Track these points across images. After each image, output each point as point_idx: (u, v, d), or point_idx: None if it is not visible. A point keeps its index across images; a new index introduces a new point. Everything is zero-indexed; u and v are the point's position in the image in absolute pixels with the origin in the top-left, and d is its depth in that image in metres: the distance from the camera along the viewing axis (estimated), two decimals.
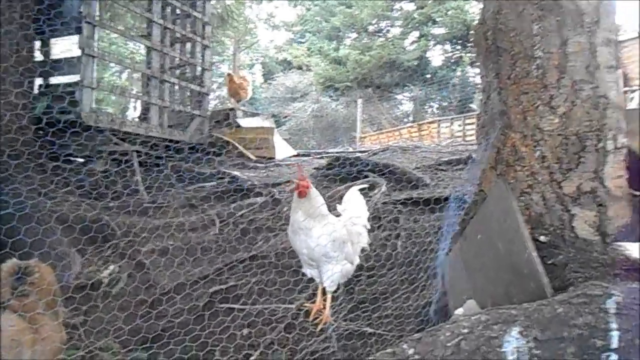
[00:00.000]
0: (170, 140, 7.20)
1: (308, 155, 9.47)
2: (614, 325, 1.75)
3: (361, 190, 3.98)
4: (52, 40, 6.58)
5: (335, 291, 3.50)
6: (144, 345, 3.20)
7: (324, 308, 3.43)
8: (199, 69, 8.39)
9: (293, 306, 3.71)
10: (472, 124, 14.22)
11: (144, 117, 7.40)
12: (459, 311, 2.49)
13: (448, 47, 25.67)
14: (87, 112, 5.83)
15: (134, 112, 16.24)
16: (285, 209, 5.14)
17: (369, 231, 3.73)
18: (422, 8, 24.81)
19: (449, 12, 23.38)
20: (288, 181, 6.27)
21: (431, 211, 4.66)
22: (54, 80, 6.49)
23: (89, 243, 4.08)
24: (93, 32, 6.13)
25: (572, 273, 2.32)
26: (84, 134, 4.99)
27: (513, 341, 1.74)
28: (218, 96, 25.37)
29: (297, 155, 9.40)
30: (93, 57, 6.07)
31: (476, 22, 3.41)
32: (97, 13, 6.45)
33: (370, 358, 1.89)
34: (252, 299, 3.86)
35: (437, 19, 24.22)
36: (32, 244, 2.93)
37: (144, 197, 5.45)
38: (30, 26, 5.06)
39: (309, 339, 3.36)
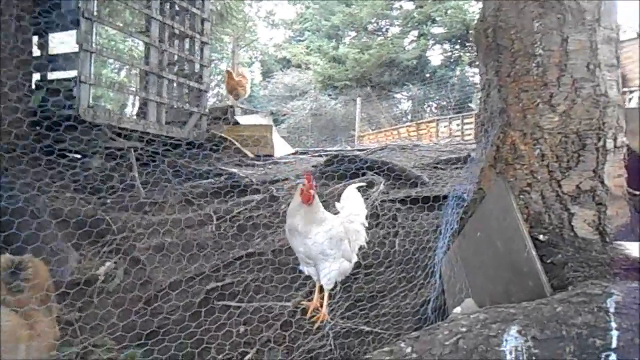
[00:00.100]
0: (168, 137, 7.17)
1: (306, 153, 9.44)
2: (613, 325, 1.73)
3: (359, 188, 3.96)
4: (50, 36, 6.54)
5: (332, 289, 3.49)
6: (138, 342, 3.17)
7: (321, 306, 3.42)
8: (197, 65, 8.36)
9: (290, 304, 3.69)
10: (471, 123, 14.22)
11: (142, 113, 7.37)
12: (457, 310, 2.48)
13: (447, 46, 25.66)
14: (84, 108, 5.80)
15: (132, 109, 16.21)
16: (283, 206, 5.12)
17: (367, 229, 3.71)
18: (421, 7, 24.79)
19: (449, 12, 23.38)
20: (286, 179, 6.25)
21: (430, 209, 4.65)
22: (51, 75, 6.45)
23: (84, 238, 4.04)
24: (91, 28, 6.09)
25: (572, 272, 2.30)
26: (79, 128, 4.95)
27: (511, 340, 1.72)
28: (217, 94, 25.34)
29: (296, 153, 9.38)
30: (91, 52, 6.03)
31: (476, 21, 3.39)
32: (95, 8, 6.40)
33: (367, 356, 1.88)
34: (249, 296, 3.84)
35: (437, 19, 24.20)
36: (25, 239, 2.90)
37: (140, 193, 5.42)
38: (26, 19, 5.02)
39: (306, 337, 3.35)
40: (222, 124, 8.95)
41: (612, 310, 1.77)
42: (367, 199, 4.75)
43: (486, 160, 2.98)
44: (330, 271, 3.28)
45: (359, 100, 19.55)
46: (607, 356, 1.68)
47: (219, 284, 3.97)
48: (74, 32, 6.03)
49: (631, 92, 8.92)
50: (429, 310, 3.27)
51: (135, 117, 7.71)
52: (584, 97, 2.68)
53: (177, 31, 7.98)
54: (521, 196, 2.71)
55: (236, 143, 8.10)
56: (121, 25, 9.29)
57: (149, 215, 4.92)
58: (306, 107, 23.61)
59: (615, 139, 2.70)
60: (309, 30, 29.80)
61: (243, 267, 4.20)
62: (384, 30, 28.04)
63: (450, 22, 23.38)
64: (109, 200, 4.95)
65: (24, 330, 2.40)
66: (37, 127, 4.93)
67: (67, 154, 5.70)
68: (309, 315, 3.46)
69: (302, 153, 9.46)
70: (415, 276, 3.82)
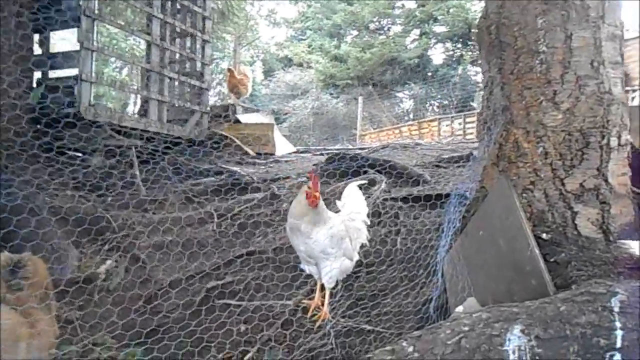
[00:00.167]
0: (169, 135, 7.15)
1: (308, 152, 9.42)
2: (618, 324, 1.71)
3: (361, 186, 3.94)
4: (52, 33, 6.53)
5: (333, 288, 3.47)
6: (138, 341, 3.16)
7: (322, 305, 3.39)
8: (198, 63, 8.35)
9: (291, 302, 3.67)
10: (473, 122, 14.19)
11: (143, 111, 7.35)
12: (460, 309, 2.46)
13: (449, 45, 25.62)
14: (85, 106, 5.79)
15: (134, 107, 16.21)
16: (284, 205, 5.10)
17: (369, 227, 3.69)
18: (423, 6, 24.77)
19: (451, 10, 23.34)
20: (287, 177, 6.23)
21: (432, 208, 4.62)
22: (53, 73, 6.44)
23: (83, 236, 4.03)
24: (92, 26, 6.08)
25: (575, 271, 2.28)
26: (79, 126, 4.94)
27: (514, 339, 1.70)
28: (218, 92, 25.34)
29: (297, 152, 9.36)
30: (92, 50, 6.03)
31: (477, 20, 3.37)
32: (97, 7, 6.39)
33: (369, 355, 1.86)
34: (249, 295, 3.82)
35: (439, 17, 24.17)
36: (24, 236, 2.88)
37: (140, 191, 5.41)
38: (25, 15, 5.00)
39: (307, 336, 3.33)
40: (223, 122, 8.93)
41: (616, 309, 1.74)
42: (368, 197, 4.73)
43: (489, 158, 2.96)
44: (331, 270, 3.25)
45: (360, 99, 19.52)
46: (612, 356, 1.66)
47: (220, 282, 3.95)
48: (75, 30, 6.03)
49: (633, 91, 8.88)
50: (431, 309, 3.25)
51: (136, 115, 7.70)
52: (587, 94, 2.66)
53: (178, 29, 7.97)
54: (524, 194, 2.69)
55: (237, 141, 8.08)
56: (122, 23, 9.29)
57: (149, 213, 4.91)
58: (308, 106, 23.59)
59: (619, 137, 2.67)
60: (310, 29, 29.77)
61: (244, 266, 4.18)
62: (385, 28, 28.01)
63: (452, 21, 23.36)
64: (109, 198, 4.94)
65: (24, 329, 2.39)
66: (38, 125, 4.91)
67: (67, 151, 5.69)
68: (310, 314, 3.44)
69: (303, 152, 9.45)
70: (417, 275, 3.80)
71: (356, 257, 3.50)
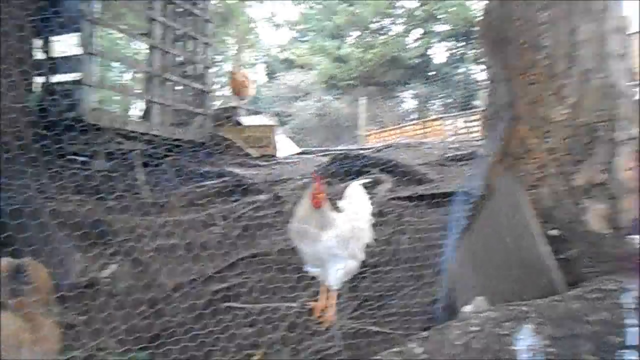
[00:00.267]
0: (172, 139, 7.14)
1: (311, 153, 9.39)
2: (631, 321, 1.67)
3: (365, 185, 3.89)
4: (55, 38, 6.53)
5: (339, 289, 3.42)
6: (142, 345, 3.12)
7: (328, 306, 3.35)
8: (200, 66, 8.35)
9: (296, 305, 3.63)
10: (476, 120, 14.12)
11: (145, 115, 7.35)
12: (468, 308, 2.42)
13: (451, 44, 25.55)
14: (88, 111, 5.79)
15: (137, 111, 16.21)
16: (287, 206, 5.06)
17: (373, 226, 3.64)
18: (424, 5, 24.70)
19: (452, 9, 23.28)
20: (290, 178, 6.20)
21: (437, 206, 4.58)
22: (55, 78, 6.44)
23: (85, 240, 4.00)
24: (93, 31, 6.09)
25: (585, 268, 2.24)
26: (82, 130, 4.93)
27: (526, 339, 1.66)
28: (221, 95, 25.33)
29: (301, 153, 9.34)
30: (93, 55, 6.03)
31: (479, 18, 3.34)
32: (99, 11, 6.40)
33: (376, 357, 1.83)
34: (254, 297, 3.78)
35: (440, 16, 24.11)
36: (24, 241, 2.86)
37: (144, 194, 5.38)
38: (25, 21, 4.99)
39: (313, 338, 3.29)
40: (226, 124, 8.92)
41: (630, 306, 1.70)
42: (373, 197, 4.68)
43: (494, 155, 2.92)
44: (337, 271, 3.21)
45: (363, 99, 19.46)
46: (625, 354, 1.62)
47: (224, 285, 3.91)
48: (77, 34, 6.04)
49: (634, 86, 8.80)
50: (439, 309, 3.21)
51: (139, 119, 7.70)
52: (593, 88, 2.62)
53: (179, 32, 7.97)
54: (531, 191, 2.65)
55: (240, 143, 8.06)
56: (124, 27, 9.29)
57: (152, 217, 4.88)
58: (311, 108, 23.56)
59: (626, 131, 2.63)
60: (312, 31, 29.75)
61: (248, 268, 4.15)
62: (387, 29, 27.93)
63: (454, 20, 23.30)
64: (111, 202, 4.91)
65: (26, 334, 2.37)
66: (46, 129, 4.89)
67: (71, 156, 5.68)
68: (316, 315, 3.40)
69: (307, 153, 9.42)
70: (423, 274, 3.76)
71: (361, 257, 3.45)
